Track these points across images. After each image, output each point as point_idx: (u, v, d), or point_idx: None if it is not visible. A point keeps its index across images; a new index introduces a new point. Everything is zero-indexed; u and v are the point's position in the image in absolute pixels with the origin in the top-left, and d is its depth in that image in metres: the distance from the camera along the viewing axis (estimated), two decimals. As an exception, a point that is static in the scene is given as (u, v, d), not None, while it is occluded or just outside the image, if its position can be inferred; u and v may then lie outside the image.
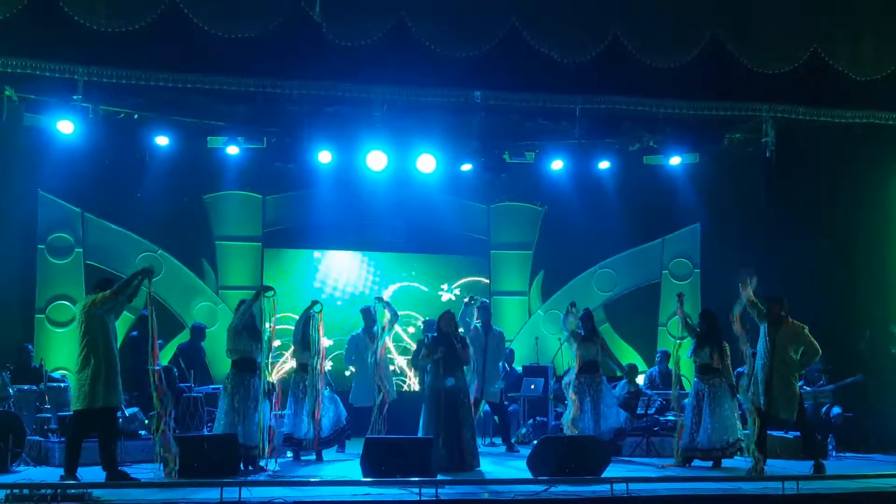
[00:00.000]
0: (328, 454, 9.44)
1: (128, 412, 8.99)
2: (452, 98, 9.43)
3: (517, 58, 8.69)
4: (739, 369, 9.24)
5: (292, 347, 9.65)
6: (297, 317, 9.49)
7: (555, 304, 13.17)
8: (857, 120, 9.67)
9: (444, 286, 13.17)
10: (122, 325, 9.37)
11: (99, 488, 6.47)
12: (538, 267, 13.45)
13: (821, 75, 8.98)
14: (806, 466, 8.42)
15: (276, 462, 8.37)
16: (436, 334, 8.88)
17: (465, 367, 8.96)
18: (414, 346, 11.29)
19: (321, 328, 9.17)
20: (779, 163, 10.70)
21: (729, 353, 9.19)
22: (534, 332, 13.00)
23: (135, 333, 10.29)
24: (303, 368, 9.20)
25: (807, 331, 8.58)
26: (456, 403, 8.59)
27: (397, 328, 11.76)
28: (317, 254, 12.96)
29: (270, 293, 8.46)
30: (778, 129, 10.09)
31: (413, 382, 12.84)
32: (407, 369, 12.80)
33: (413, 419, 9.35)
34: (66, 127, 10.46)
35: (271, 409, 8.50)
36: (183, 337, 11.78)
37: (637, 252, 13.53)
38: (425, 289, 13.15)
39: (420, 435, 8.45)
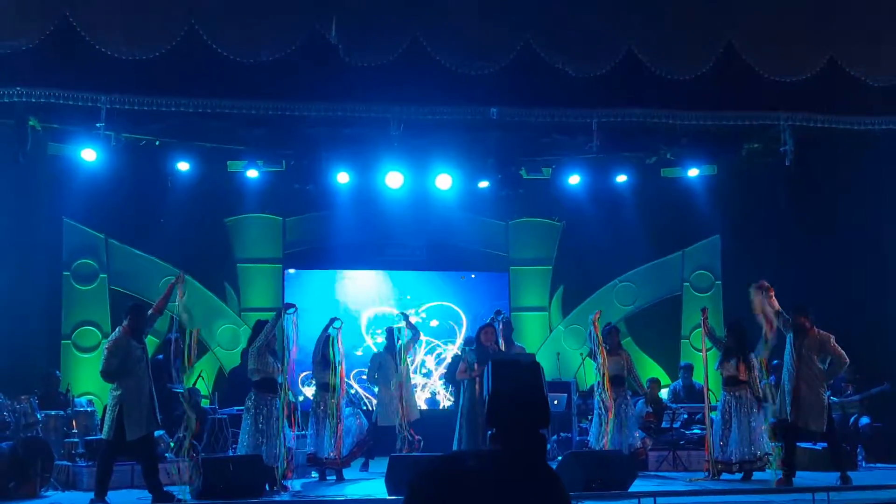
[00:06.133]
0: (352, 473, 9.44)
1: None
2: (469, 115, 9.46)
3: (532, 74, 8.73)
4: (770, 379, 9.19)
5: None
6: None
7: (575, 318, 13.14)
8: (876, 127, 9.59)
9: (412, 309, 13.06)
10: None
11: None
12: (558, 282, 13.43)
13: (838, 82, 8.93)
14: (835, 477, 8.32)
15: (296, 482, 8.38)
16: (475, 347, 8.83)
17: None
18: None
19: (341, 346, 9.20)
20: (798, 172, 10.62)
21: (756, 365, 9.12)
22: (555, 347, 12.96)
23: (160, 357, 10.38)
24: (323, 387, 9.21)
25: (833, 340, 8.51)
26: None
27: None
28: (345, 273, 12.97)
29: (292, 310, 8.51)
30: (797, 137, 10.03)
31: (443, 398, 12.84)
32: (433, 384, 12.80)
33: (442, 436, 9.32)
34: (89, 155, 10.64)
35: (292, 428, 8.54)
36: (210, 360, 11.91)
37: (657, 265, 13.47)
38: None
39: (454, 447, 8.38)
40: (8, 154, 10.38)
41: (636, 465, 9.29)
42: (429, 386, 12.82)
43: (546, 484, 1.50)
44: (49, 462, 8.31)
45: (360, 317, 12.74)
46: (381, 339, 9.51)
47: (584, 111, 9.41)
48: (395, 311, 11.20)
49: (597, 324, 9.61)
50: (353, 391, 11.86)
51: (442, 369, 12.63)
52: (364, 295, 12.97)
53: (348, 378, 11.48)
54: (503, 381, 5.63)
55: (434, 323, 12.93)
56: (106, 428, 7.56)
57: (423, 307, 13.02)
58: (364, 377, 11.12)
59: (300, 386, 11.30)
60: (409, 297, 13.03)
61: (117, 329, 7.85)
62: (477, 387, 8.48)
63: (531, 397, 5.57)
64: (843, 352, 8.50)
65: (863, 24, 8.71)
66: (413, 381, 10.83)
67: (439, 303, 13.10)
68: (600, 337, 9.56)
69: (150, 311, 8.07)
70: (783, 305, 8.80)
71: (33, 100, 8.49)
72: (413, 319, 12.56)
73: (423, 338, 11.28)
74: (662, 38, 8.42)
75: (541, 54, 8.43)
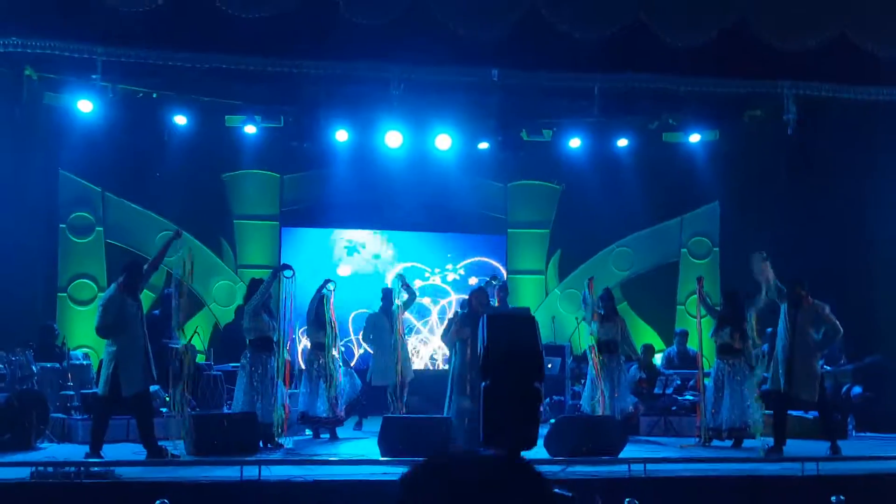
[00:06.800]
0: (346, 431, 9.51)
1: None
2: (470, 77, 9.35)
3: (536, 36, 8.59)
4: (763, 347, 9.23)
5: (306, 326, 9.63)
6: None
7: (572, 283, 13.13)
8: (881, 97, 9.49)
9: (450, 266, 13.15)
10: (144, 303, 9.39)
11: (122, 466, 6.56)
12: (555, 246, 13.40)
13: (844, 52, 8.80)
14: (825, 447, 8.39)
15: (289, 440, 8.43)
16: (467, 311, 8.84)
17: None
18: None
19: (332, 307, 9.19)
20: (800, 139, 10.56)
21: (749, 334, 9.14)
22: (550, 311, 12.98)
23: (156, 312, 10.38)
24: (317, 347, 9.20)
25: (828, 310, 8.50)
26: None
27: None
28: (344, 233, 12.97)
29: (290, 273, 8.50)
30: (799, 105, 9.93)
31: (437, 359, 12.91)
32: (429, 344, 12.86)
33: (435, 397, 9.35)
34: (85, 106, 10.52)
35: (287, 386, 8.60)
36: (206, 315, 11.95)
37: (655, 231, 13.45)
38: (427, 269, 13.15)
39: (446, 413, 8.40)
40: (3, 104, 10.29)
41: (628, 430, 9.36)
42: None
43: (535, 492, 1.49)
44: (44, 414, 8.34)
45: (385, 275, 12.64)
46: (406, 296, 9.56)
47: (586, 75, 9.30)
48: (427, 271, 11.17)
49: (592, 289, 9.61)
50: (363, 350, 11.85)
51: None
52: (391, 253, 12.99)
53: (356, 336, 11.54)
54: (498, 333, 5.66)
55: (473, 280, 12.92)
56: (101, 383, 7.57)
57: (461, 263, 13.05)
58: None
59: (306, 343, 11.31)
60: (449, 255, 13.06)
61: (112, 285, 7.83)
62: (468, 350, 8.47)
63: (526, 350, 5.60)
64: (837, 321, 8.51)
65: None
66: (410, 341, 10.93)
67: (479, 259, 13.12)
68: (594, 311, 9.58)
69: (145, 267, 8.04)
70: (781, 274, 8.79)
71: (28, 50, 8.35)
72: (451, 277, 12.56)
73: (444, 302, 11.18)
74: (670, 4, 8.27)
75: (546, 16, 8.28)
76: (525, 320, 6.26)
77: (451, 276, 13.13)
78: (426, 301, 12.99)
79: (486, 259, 13.21)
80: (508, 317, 6.83)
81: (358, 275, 12.91)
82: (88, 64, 9.04)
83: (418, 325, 12.88)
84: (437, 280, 13.09)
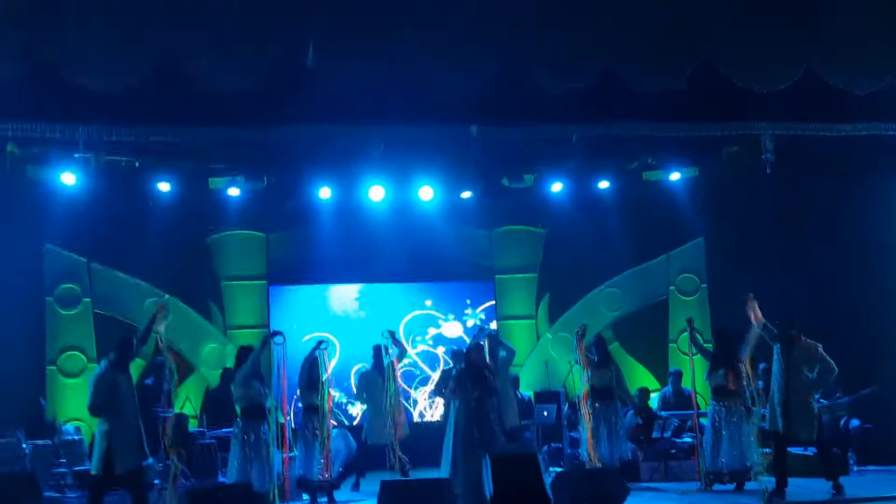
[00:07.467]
0: (343, 494, 9.40)
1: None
2: (449, 135, 9.44)
3: (513, 91, 8.70)
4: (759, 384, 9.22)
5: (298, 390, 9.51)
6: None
7: (562, 326, 13.11)
8: (857, 133, 9.61)
9: (468, 311, 13.18)
10: (134, 372, 9.27)
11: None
12: (544, 289, 13.40)
13: (817, 90, 8.93)
14: (827, 486, 8.35)
15: None
16: (463, 366, 8.76)
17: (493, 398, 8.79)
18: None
19: (329, 368, 9.13)
20: (781, 172, 10.65)
21: (744, 373, 9.11)
22: (543, 355, 12.95)
23: (149, 381, 10.26)
24: (310, 410, 9.11)
25: (821, 349, 8.49)
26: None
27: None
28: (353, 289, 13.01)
29: (280, 339, 8.47)
30: (778, 139, 10.04)
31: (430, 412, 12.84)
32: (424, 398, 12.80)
33: (430, 452, 9.26)
34: (69, 178, 10.56)
35: (284, 451, 8.52)
36: (197, 380, 11.88)
37: (642, 269, 13.44)
38: (441, 316, 13.17)
39: (445, 472, 8.30)
40: (-15, 180, 10.32)
41: (628, 478, 9.27)
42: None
43: None
44: (37, 497, 8.20)
45: (398, 328, 12.56)
46: (423, 347, 9.50)
47: (564, 127, 9.40)
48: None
49: (581, 343, 9.61)
50: (365, 407, 11.70)
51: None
52: (396, 305, 13.03)
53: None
54: (504, 478, 5.86)
55: (494, 325, 12.86)
56: (94, 462, 7.51)
57: (481, 308, 13.18)
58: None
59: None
60: (468, 300, 13.16)
61: (103, 362, 7.77)
62: (471, 407, 8.40)
63: (533, 494, 5.80)
64: (831, 360, 8.49)
65: (837, 32, 8.68)
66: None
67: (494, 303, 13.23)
68: (585, 358, 9.59)
69: (135, 341, 7.98)
70: (769, 308, 8.79)
71: (10, 133, 8.41)
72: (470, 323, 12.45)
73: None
74: (640, 53, 8.38)
75: (521, 71, 8.38)
76: (529, 462, 6.42)
77: (470, 322, 13.13)
78: (440, 351, 12.97)
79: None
80: (512, 459, 7.01)
81: (369, 326, 12.66)
82: (70, 140, 9.07)
83: (433, 375, 12.80)
84: (453, 327, 13.07)
